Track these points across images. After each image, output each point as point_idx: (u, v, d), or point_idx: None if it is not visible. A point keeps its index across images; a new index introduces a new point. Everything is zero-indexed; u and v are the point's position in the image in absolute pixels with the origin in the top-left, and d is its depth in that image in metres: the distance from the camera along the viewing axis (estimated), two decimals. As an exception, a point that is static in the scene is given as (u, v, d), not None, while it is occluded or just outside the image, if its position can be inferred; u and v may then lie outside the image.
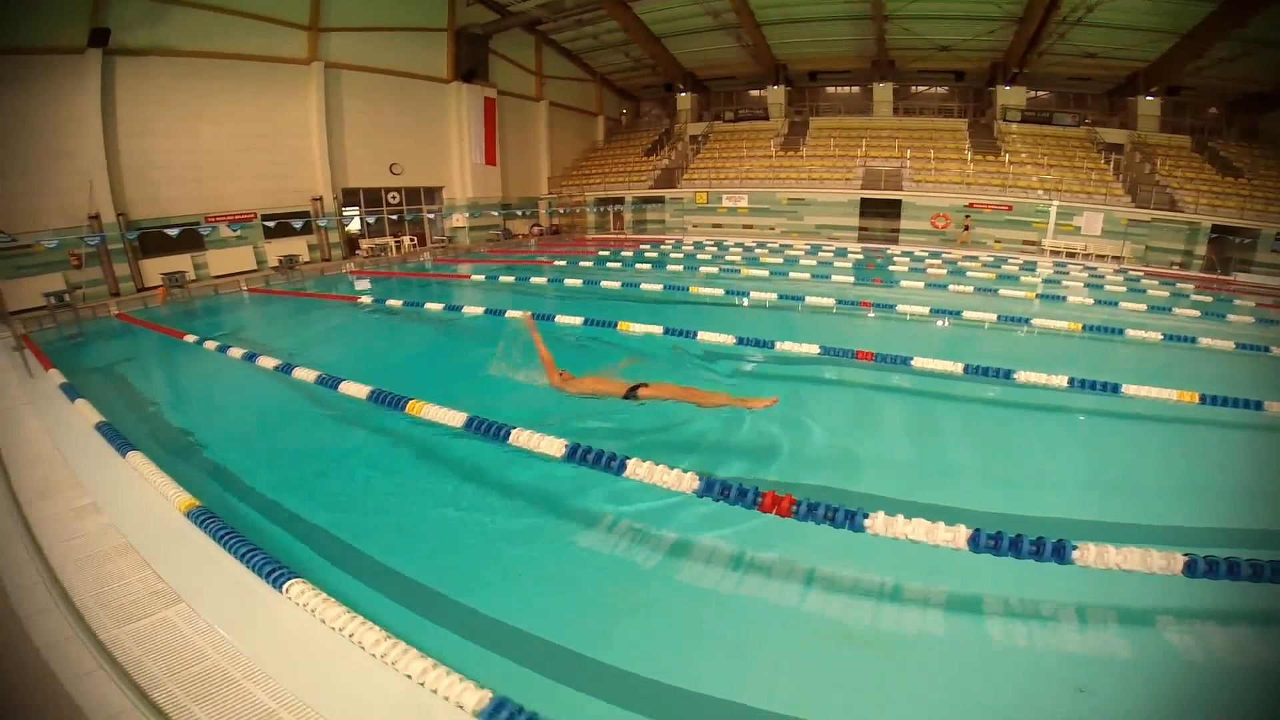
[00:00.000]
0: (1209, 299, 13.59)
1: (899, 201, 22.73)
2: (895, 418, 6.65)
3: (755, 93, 30.32)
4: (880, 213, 23.35)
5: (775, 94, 28.64)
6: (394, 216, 22.73)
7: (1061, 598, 3.54)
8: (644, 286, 12.17)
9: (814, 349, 7.44)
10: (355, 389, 5.75)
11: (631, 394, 5.35)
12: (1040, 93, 27.29)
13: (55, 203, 13.90)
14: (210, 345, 8.61)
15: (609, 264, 16.26)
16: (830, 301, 11.00)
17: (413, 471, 5.30)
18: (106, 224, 14.61)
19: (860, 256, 18.76)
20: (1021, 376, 6.52)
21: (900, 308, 10.61)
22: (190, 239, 16.16)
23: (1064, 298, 12.44)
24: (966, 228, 21.75)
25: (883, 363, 7.05)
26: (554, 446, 4.20)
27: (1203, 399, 6.14)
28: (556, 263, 17.02)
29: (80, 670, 2.57)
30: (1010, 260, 18.97)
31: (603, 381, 5.63)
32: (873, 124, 26.80)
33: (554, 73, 28.72)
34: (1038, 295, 12.40)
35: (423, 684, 2.35)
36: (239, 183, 17.83)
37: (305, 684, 2.51)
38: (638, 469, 3.82)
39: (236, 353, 7.90)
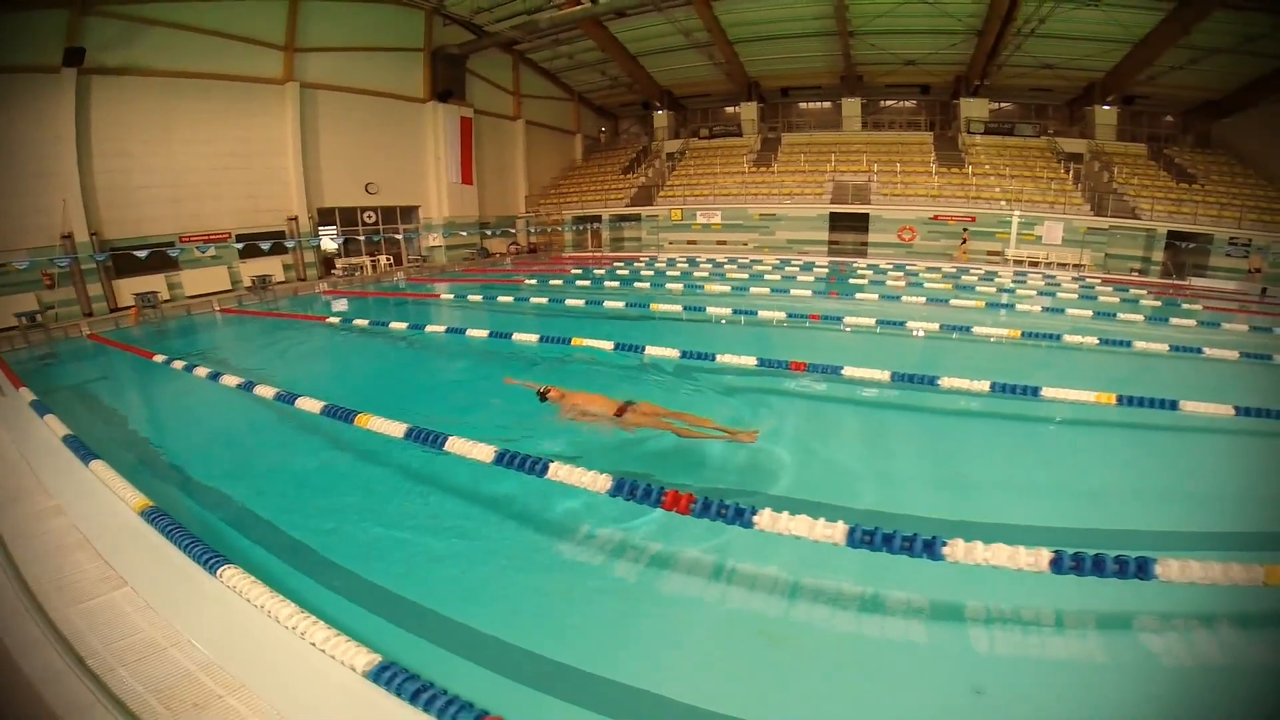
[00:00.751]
0: (1156, 303, 14.20)
1: (867, 215, 23.46)
2: (815, 423, 7.02)
3: (731, 109, 31.17)
4: (850, 226, 24.06)
5: (748, 110, 29.48)
6: (372, 236, 23.13)
7: (950, 596, 3.72)
8: (607, 304, 12.69)
9: (751, 361, 7.85)
10: (310, 404, 6.14)
11: (618, 416, 5.51)
12: (1003, 104, 28.30)
13: (33, 221, 14.17)
14: (178, 365, 8.94)
15: (578, 282, 16.73)
16: (782, 315, 11.52)
17: (357, 474, 5.70)
18: (80, 243, 14.87)
19: (825, 270, 19.37)
20: (945, 382, 6.91)
21: (846, 320, 11.08)
22: (165, 259, 16.46)
23: (1012, 305, 13.05)
24: (964, 241, 22.21)
25: (817, 372, 7.49)
26: (484, 453, 4.59)
27: (1120, 400, 6.48)
28: (528, 281, 17.46)
29: (29, 640, 2.94)
30: (971, 270, 19.65)
31: (596, 400, 5.72)
32: (842, 139, 27.65)
33: (532, 92, 29.38)
34: (986, 304, 12.96)
35: (324, 650, 2.74)
36: (215, 202, 18.16)
37: (227, 653, 2.89)
38: (558, 471, 4.22)
39: (202, 371, 8.28)
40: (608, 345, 8.77)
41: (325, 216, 21.60)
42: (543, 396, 5.80)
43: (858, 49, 25.43)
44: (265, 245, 18.65)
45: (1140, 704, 3.05)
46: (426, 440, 4.89)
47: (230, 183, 18.53)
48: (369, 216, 23.08)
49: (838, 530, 3.46)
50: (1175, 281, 19.93)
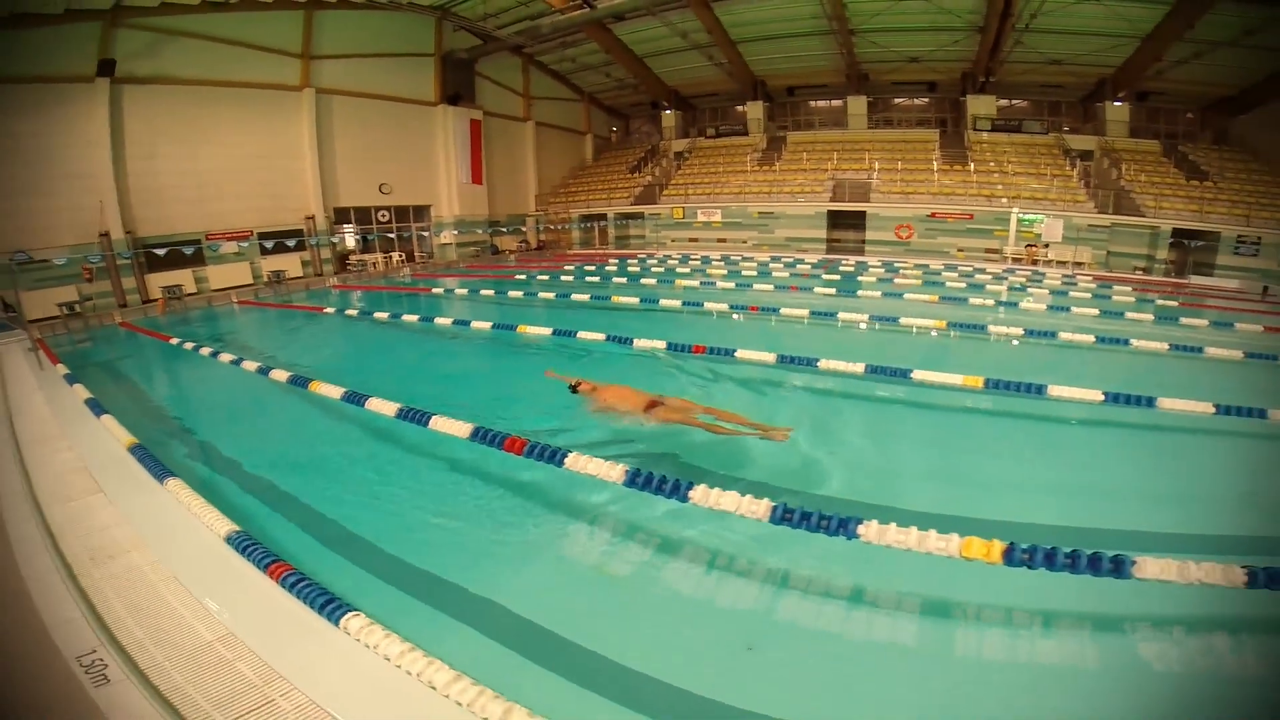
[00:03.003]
0: (1130, 299, 14.61)
1: (865, 213, 24.10)
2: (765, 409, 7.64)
3: (740, 109, 32.00)
4: (848, 224, 24.73)
5: (754, 109, 30.29)
6: (386, 234, 24.75)
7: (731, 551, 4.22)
8: (590, 296, 13.91)
9: (660, 344, 8.88)
10: (279, 375, 7.48)
11: (648, 411, 5.64)
12: (1013, 101, 28.46)
13: (71, 220, 16.01)
14: (189, 346, 10.53)
15: (562, 278, 17.98)
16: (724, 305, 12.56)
17: (318, 425, 6.97)
18: (116, 240, 16.70)
19: (809, 268, 20.14)
20: (917, 375, 7.32)
21: (787, 310, 11.98)
22: (193, 255, 18.24)
23: (990, 301, 13.67)
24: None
25: (787, 363, 8.19)
26: (461, 429, 5.22)
27: (1108, 397, 6.55)
28: (517, 276, 18.79)
29: (25, 536, 4.26)
30: (958, 267, 20.17)
31: (626, 393, 5.85)
32: (846, 137, 28.27)
33: (542, 93, 30.77)
34: (941, 298, 13.64)
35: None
36: (237, 202, 19.93)
37: (171, 552, 4.12)
38: (576, 461, 4.51)
39: (206, 351, 9.82)
40: (599, 336, 9.71)
41: (341, 215, 23.30)
42: (574, 389, 5.99)
43: (860, 47, 26.03)
44: (291, 242, 20.49)
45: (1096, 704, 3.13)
46: (411, 418, 5.72)
47: (252, 184, 20.27)
48: (383, 215, 24.72)
49: (761, 507, 3.73)
50: (1175, 280, 20.08)
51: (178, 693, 2.62)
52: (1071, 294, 15.39)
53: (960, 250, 22.90)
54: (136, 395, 8.74)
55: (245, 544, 3.84)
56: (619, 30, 26.15)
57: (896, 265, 20.47)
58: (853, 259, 22.53)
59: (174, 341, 11.22)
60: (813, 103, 31.51)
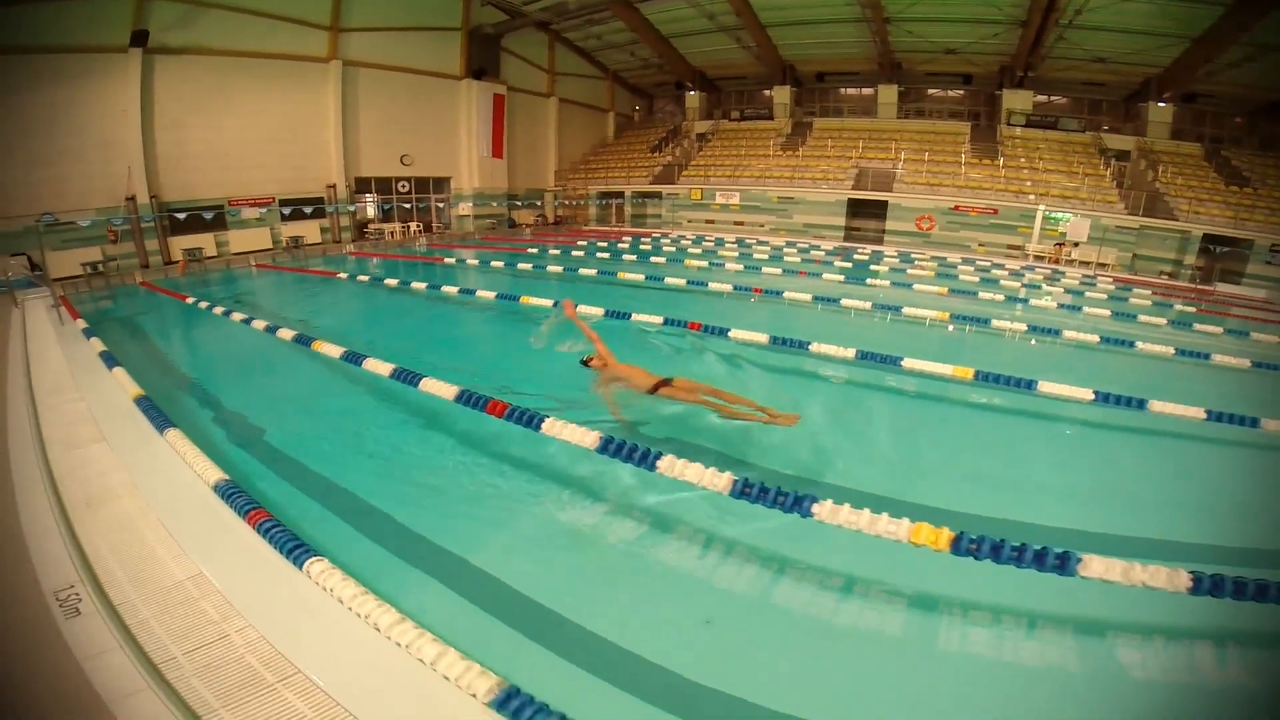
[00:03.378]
0: (1148, 303, 14.31)
1: (886, 203, 23.78)
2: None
3: (766, 93, 31.60)
4: (869, 213, 24.43)
5: (781, 94, 29.89)
6: (404, 205, 25.09)
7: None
8: (582, 271, 14.13)
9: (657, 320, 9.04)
10: (286, 333, 7.73)
11: (655, 391, 5.71)
12: (1053, 97, 27.69)
13: (100, 185, 16.54)
14: (203, 305, 10.92)
15: (573, 253, 18.12)
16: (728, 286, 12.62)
17: (332, 398, 7.22)
18: (141, 205, 17.19)
19: (823, 255, 19.98)
20: (908, 364, 7.35)
21: (788, 294, 12.03)
22: (215, 220, 18.71)
23: (1000, 296, 13.51)
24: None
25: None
26: (448, 391, 5.40)
27: (1097, 396, 6.55)
28: (530, 250, 18.95)
29: (30, 480, 4.53)
30: (976, 262, 19.86)
31: (636, 372, 5.89)
32: (875, 126, 27.81)
33: (567, 69, 30.67)
34: (951, 290, 13.52)
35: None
36: (261, 170, 20.33)
37: (162, 501, 4.37)
38: (552, 427, 4.66)
39: (219, 310, 10.14)
40: (598, 311, 9.80)
41: (362, 185, 23.63)
42: (586, 363, 6.04)
43: (895, 35, 25.47)
44: (310, 210, 20.89)
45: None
46: (407, 380, 5.89)
47: (275, 153, 20.65)
48: (403, 186, 25.02)
49: (723, 480, 3.83)
50: (1198, 286, 19.58)
51: (142, 626, 2.84)
52: (1088, 294, 15.10)
53: (981, 245, 22.54)
54: (149, 350, 9.11)
55: (230, 492, 4.07)
56: (646, 9, 25.89)
57: (912, 256, 20.22)
58: (869, 248, 22.31)
59: (189, 300, 11.63)
60: (843, 90, 30.98)
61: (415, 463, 5.39)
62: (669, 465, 3.98)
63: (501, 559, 3.97)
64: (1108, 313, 12.47)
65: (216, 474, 4.33)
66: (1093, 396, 6.57)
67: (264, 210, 20.44)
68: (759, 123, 30.46)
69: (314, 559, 3.22)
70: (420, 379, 5.75)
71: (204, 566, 3.34)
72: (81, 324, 9.55)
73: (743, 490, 3.77)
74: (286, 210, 21.03)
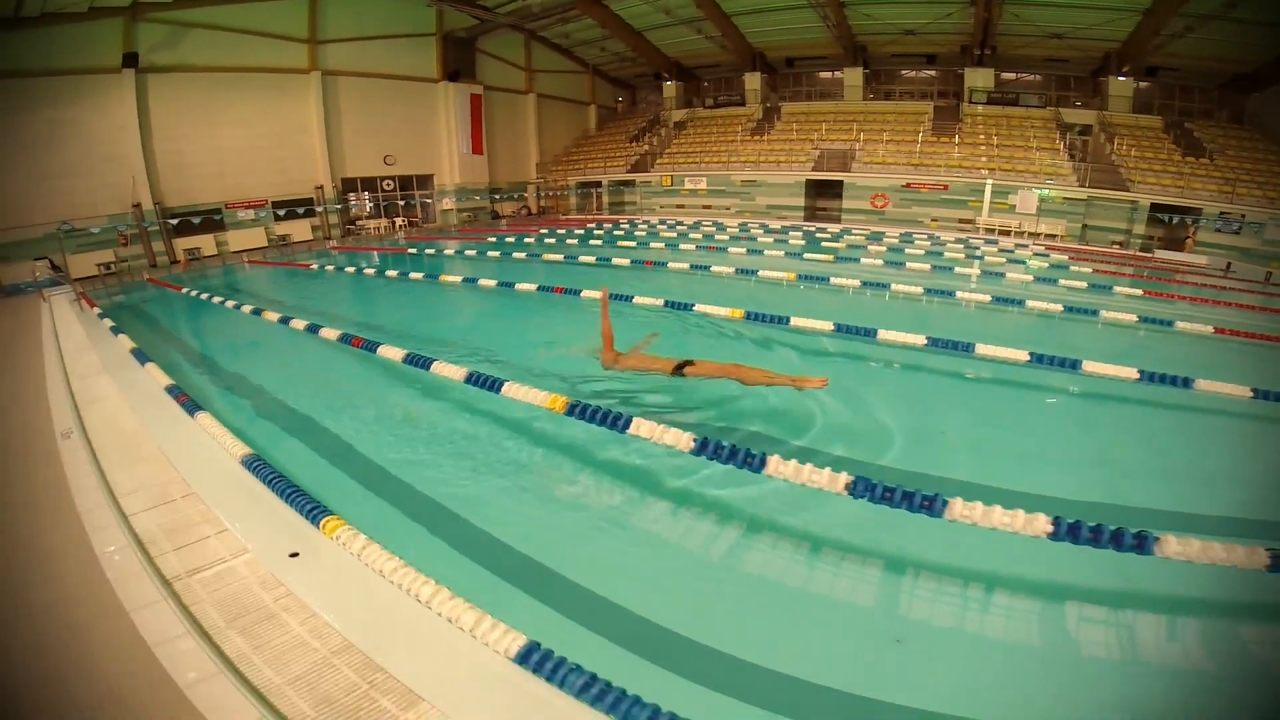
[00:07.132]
0: (1073, 269, 15.68)
1: (842, 182, 25.55)
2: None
3: (742, 79, 33.33)
4: (830, 193, 26.20)
5: (753, 80, 31.63)
6: (387, 203, 27.43)
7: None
8: (546, 257, 16.33)
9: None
10: (271, 315, 10.01)
11: (679, 371, 5.86)
12: (1018, 75, 29.05)
13: (108, 195, 18.99)
14: (200, 295, 13.30)
15: (547, 239, 20.26)
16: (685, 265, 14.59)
17: (319, 370, 9.40)
18: (146, 211, 19.65)
19: (762, 233, 21.92)
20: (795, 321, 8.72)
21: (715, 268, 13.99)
22: (214, 222, 21.18)
23: (926, 266, 15.23)
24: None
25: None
26: (456, 373, 5.98)
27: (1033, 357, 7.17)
28: (506, 239, 21.13)
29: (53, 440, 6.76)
30: (915, 237, 21.54)
31: (651, 360, 6.07)
32: (839, 108, 29.49)
33: (545, 66, 32.74)
34: (836, 257, 15.43)
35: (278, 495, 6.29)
36: (253, 175, 22.72)
37: (190, 466, 6.52)
38: (513, 390, 5.37)
39: (211, 299, 12.49)
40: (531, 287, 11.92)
41: (348, 185, 25.98)
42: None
43: (854, 19, 27.02)
44: (300, 210, 23.46)
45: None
46: (417, 364, 6.60)
47: (266, 159, 23.02)
48: (387, 184, 27.34)
49: (684, 439, 4.23)
50: (1137, 253, 21.06)
51: (165, 560, 3.83)
52: (1008, 260, 16.85)
53: (934, 220, 24.19)
54: (159, 331, 11.45)
55: (255, 464, 4.77)
56: (614, 5, 27.74)
57: (852, 230, 22.09)
58: (813, 225, 24.23)
59: (185, 291, 14.12)
60: (818, 74, 32.58)
61: (410, 434, 6.24)
62: (638, 426, 4.42)
63: (502, 517, 4.54)
64: (1031, 278, 14.19)
65: (241, 448, 5.06)
66: (1028, 358, 8.49)
67: (259, 212, 22.86)
68: (732, 109, 32.29)
69: (329, 517, 3.87)
70: (431, 362, 6.38)
71: (229, 523, 4.19)
72: (99, 313, 11.91)
73: (701, 448, 4.15)
74: (281, 211, 23.46)
